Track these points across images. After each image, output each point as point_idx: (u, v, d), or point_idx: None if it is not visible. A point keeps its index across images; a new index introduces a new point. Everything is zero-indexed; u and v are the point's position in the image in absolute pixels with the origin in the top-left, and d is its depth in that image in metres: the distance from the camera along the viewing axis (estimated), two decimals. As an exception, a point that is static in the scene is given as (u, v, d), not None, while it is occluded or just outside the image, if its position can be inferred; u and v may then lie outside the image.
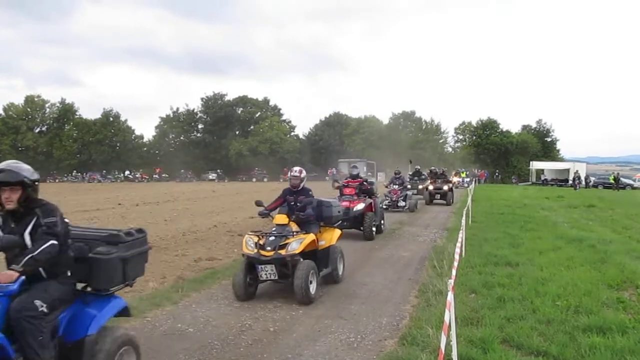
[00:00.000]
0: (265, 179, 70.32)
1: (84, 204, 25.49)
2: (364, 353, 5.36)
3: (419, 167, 31.60)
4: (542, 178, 64.15)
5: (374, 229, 13.50)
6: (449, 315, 3.81)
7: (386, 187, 22.28)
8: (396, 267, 10.01)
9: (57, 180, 72.24)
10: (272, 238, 7.56)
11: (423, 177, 29.58)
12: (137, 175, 74.87)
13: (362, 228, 13.33)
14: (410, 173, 31.08)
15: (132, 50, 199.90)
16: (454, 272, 5.31)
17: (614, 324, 5.79)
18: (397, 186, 21.46)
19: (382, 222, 14.94)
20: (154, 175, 74.75)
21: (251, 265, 7.44)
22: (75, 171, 75.89)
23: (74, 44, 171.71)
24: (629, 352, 5.04)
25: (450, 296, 3.93)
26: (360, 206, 13.52)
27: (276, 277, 7.39)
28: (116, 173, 76.07)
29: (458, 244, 7.44)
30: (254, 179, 70.11)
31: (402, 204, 20.92)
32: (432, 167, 30.13)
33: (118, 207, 23.94)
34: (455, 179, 49.93)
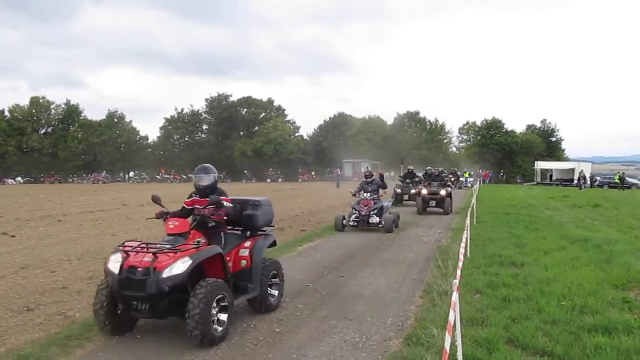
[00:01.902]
0: (280, 180, 70.52)
1: (89, 205, 25.57)
2: (369, 353, 5.37)
3: (412, 168, 26.85)
4: (554, 178, 64.06)
5: (219, 317, 5.62)
6: (454, 316, 3.81)
7: (353, 195, 16.37)
8: (401, 267, 10.00)
9: (88, 182, 72.39)
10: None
11: (417, 179, 25.03)
12: (167, 176, 74.56)
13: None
14: (402, 175, 27.06)
15: (135, 52, 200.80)
16: (458, 272, 5.31)
17: (620, 324, 5.78)
18: (368, 194, 15.77)
19: (275, 289, 7.03)
20: (183, 176, 74.51)
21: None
22: (105, 172, 76.21)
23: (77, 46, 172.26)
24: (635, 352, 5.02)
25: (455, 296, 3.94)
26: (175, 270, 5.42)
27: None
28: (142, 174, 75.93)
29: (463, 244, 7.44)
30: (268, 180, 70.32)
31: (374, 220, 15.17)
32: (428, 167, 25.06)
33: (123, 208, 23.99)
34: (461, 179, 49.12)
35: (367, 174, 16.82)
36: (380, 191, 16.12)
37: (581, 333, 5.64)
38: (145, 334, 5.88)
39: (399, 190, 25.24)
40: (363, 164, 71.62)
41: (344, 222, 15.21)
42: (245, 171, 75.83)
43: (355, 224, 15.30)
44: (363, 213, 15.24)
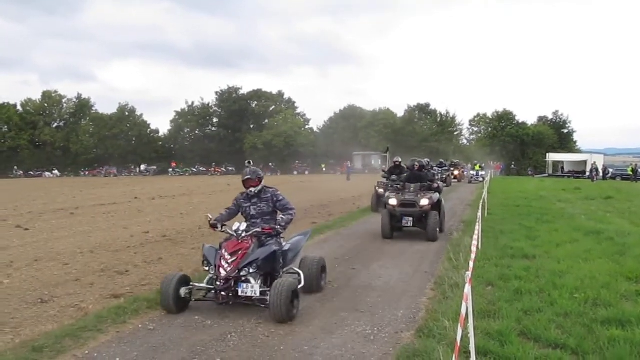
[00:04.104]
0: (307, 172, 70.90)
1: (101, 198, 25.78)
2: (380, 345, 5.37)
3: (399, 160, 18.60)
4: (566, 170, 63.66)
5: None
6: (466, 308, 3.79)
7: (212, 226, 7.16)
8: (412, 259, 9.98)
9: (130, 174, 73.07)
10: None
11: (405, 175, 15.07)
12: (202, 169, 75.04)
13: None
14: (386, 170, 19.13)
15: (145, 45, 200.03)
16: (471, 264, 5.28)
17: (633, 317, 5.74)
18: (243, 226, 6.98)
19: None
20: (222, 169, 74.98)
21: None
22: (143, 165, 77.23)
23: (87, 39, 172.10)
24: (649, 345, 4.99)
25: (467, 288, 3.92)
26: None
27: None
28: (183, 167, 76.44)
29: (474, 237, 7.40)
30: (295, 172, 70.69)
31: (251, 289, 6.42)
32: (414, 159, 14.33)
33: (134, 201, 24.16)
34: (471, 172, 47.39)
35: (247, 176, 7.25)
36: (280, 216, 7.23)
37: (594, 326, 5.61)
38: (158, 327, 5.92)
39: (381, 191, 17.97)
40: (373, 156, 71.55)
41: (184, 292, 6.50)
42: (270, 164, 76.02)
43: (213, 294, 6.52)
44: (223, 274, 6.39)
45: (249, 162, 7.85)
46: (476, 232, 8.36)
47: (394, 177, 17.23)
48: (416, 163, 13.70)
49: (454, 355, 3.47)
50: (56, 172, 74.73)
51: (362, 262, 9.64)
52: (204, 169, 75.49)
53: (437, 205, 12.84)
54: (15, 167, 73.66)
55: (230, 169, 75.98)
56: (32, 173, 74.01)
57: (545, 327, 5.55)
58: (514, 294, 6.86)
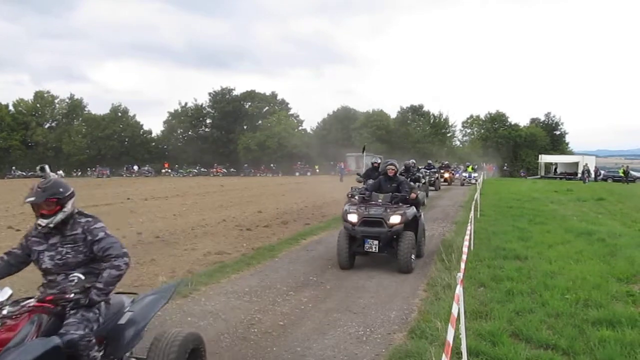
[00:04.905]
0: (309, 173, 70.74)
1: (94, 199, 25.65)
2: (373, 346, 5.38)
3: (378, 161, 14.78)
4: (558, 171, 63.94)
5: None
6: (458, 309, 3.81)
7: None
8: (404, 260, 9.97)
9: (131, 175, 72.79)
10: None
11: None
12: (203, 170, 75.04)
13: None
14: (361, 174, 15.15)
15: (138, 45, 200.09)
16: (462, 265, 5.31)
17: (624, 318, 5.78)
18: (4, 305, 3.32)
19: None
20: (224, 170, 74.75)
21: None
22: (135, 166, 76.78)
23: (80, 39, 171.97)
24: (639, 346, 5.03)
25: (459, 289, 3.94)
26: None
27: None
28: (187, 167, 75.97)
29: (467, 238, 7.43)
30: (297, 173, 70.49)
31: None
32: (388, 161, 10.68)
33: (127, 202, 24.07)
34: (464, 174, 46.62)
35: (31, 198, 3.60)
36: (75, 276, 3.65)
37: (585, 326, 5.65)
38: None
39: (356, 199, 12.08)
40: (367, 157, 71.52)
41: None
42: (272, 165, 75.87)
43: None
44: None
45: (42, 168, 4.77)
46: (468, 233, 8.39)
47: (370, 181, 12.63)
48: (390, 166, 10.23)
49: (444, 356, 3.49)
50: (60, 172, 74.32)
51: (355, 264, 9.63)
52: (205, 170, 75.30)
53: (412, 223, 9.58)
54: (14, 168, 73.15)
55: (232, 170, 75.92)
56: (24, 173, 73.56)
57: (537, 327, 5.59)
58: (505, 295, 6.90)
